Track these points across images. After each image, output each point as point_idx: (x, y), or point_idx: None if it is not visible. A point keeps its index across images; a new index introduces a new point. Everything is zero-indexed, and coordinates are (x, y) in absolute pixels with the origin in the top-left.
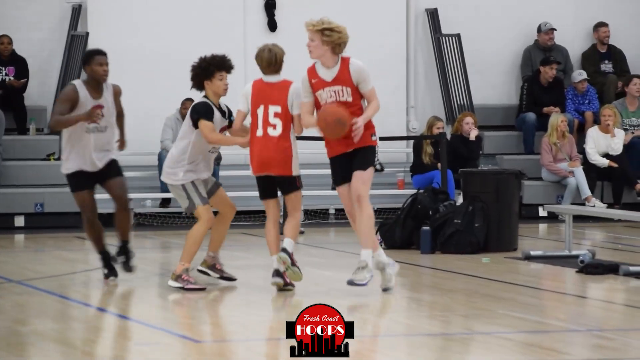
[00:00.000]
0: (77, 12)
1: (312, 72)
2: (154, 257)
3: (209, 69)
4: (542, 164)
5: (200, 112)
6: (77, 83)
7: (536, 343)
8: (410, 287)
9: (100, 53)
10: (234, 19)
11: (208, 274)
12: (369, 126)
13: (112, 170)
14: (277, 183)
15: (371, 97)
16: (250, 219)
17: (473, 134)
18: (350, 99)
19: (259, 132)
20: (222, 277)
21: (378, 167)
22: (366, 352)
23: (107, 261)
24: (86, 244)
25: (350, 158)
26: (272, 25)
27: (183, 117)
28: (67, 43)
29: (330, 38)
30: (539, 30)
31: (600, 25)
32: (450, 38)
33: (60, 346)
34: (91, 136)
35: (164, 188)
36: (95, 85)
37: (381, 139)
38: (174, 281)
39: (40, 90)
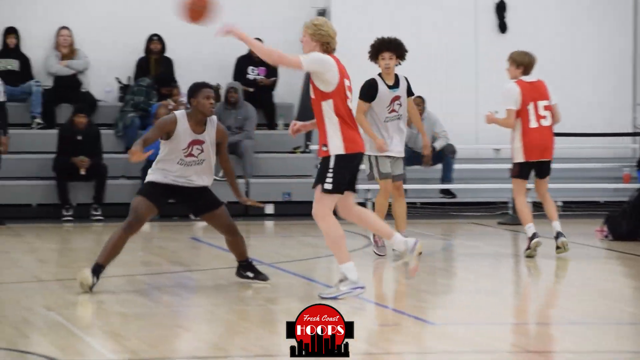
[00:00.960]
0: (322, 15)
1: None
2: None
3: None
4: None
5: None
6: (180, 114)
7: None
8: (636, 277)
9: (208, 86)
10: (465, 20)
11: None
12: (322, 138)
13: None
14: (545, 167)
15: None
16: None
17: None
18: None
19: (533, 124)
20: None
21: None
22: (594, 339)
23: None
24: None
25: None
26: (503, 27)
27: None
28: None
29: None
30: None
31: None
32: None
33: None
34: (185, 168)
35: None
36: (200, 118)
37: (609, 135)
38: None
39: (287, 89)
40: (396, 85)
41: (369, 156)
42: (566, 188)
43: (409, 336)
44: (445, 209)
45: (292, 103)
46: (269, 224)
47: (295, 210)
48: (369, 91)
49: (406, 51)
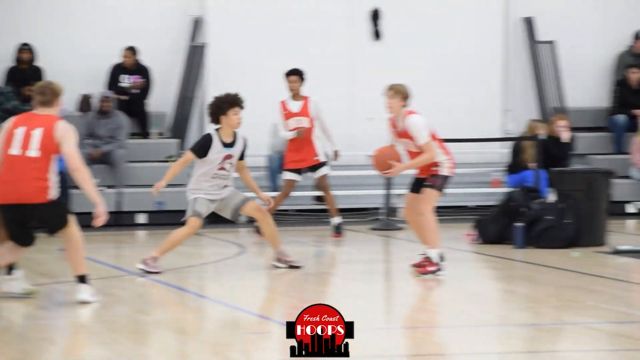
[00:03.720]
0: (196, 24)
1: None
2: (262, 251)
3: (223, 106)
4: (632, 163)
5: (194, 144)
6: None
7: (624, 333)
8: (504, 280)
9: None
10: (340, 29)
11: (279, 267)
12: None
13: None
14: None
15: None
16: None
17: (566, 135)
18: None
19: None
20: (291, 267)
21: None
22: (462, 342)
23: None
24: (201, 240)
25: None
26: (377, 34)
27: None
28: (187, 53)
29: None
30: (637, 37)
31: None
32: (545, 45)
33: (176, 334)
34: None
35: (274, 187)
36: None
37: (478, 140)
38: (140, 263)
39: (161, 97)
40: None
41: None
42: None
43: (279, 343)
44: (319, 215)
45: (165, 112)
46: (142, 233)
47: (168, 220)
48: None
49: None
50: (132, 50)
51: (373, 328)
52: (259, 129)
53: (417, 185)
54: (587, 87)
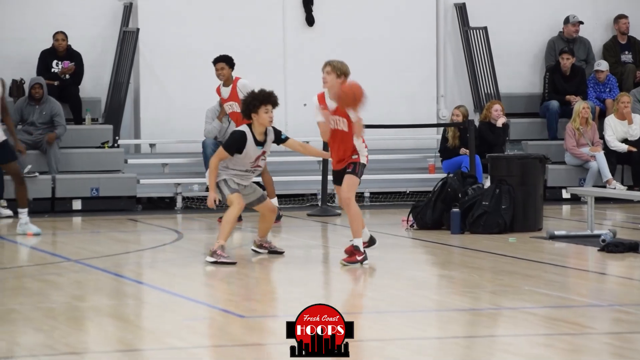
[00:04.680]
0: (128, 10)
1: None
2: (200, 238)
3: (254, 103)
4: (565, 149)
5: (226, 141)
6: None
7: (560, 317)
8: (441, 265)
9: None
10: (273, 15)
11: (259, 252)
12: None
13: None
14: None
15: None
16: None
17: (501, 120)
18: None
19: None
20: (270, 252)
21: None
22: (400, 327)
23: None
24: (138, 226)
25: None
26: (310, 21)
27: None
28: (119, 39)
29: None
30: (566, 22)
31: (621, 17)
32: (477, 31)
33: (115, 321)
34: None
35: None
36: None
37: (412, 126)
38: (209, 256)
39: (94, 83)
40: None
41: None
42: (373, 179)
43: (220, 330)
44: None
45: (99, 97)
46: (77, 220)
47: (103, 206)
48: None
49: None
50: (63, 35)
51: None
52: (192, 115)
53: (340, 177)
54: (519, 73)
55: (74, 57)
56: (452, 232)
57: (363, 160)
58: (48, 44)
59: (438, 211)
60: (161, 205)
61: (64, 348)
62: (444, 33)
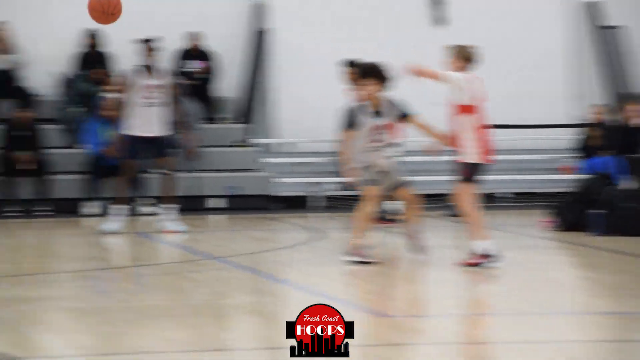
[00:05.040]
0: (259, 10)
1: None
2: (338, 237)
3: (359, 75)
4: None
5: (342, 122)
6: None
7: None
8: (583, 267)
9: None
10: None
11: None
12: None
13: None
14: None
15: None
16: None
17: (636, 121)
18: None
19: None
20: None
21: None
22: (543, 330)
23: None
24: (273, 224)
25: None
26: (442, 21)
27: None
28: (252, 39)
29: None
30: None
31: None
32: (611, 30)
33: (255, 317)
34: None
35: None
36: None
37: (549, 126)
38: (347, 255)
39: (225, 82)
40: None
41: None
42: (507, 179)
43: (364, 329)
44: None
45: (229, 97)
46: (213, 217)
47: (242, 204)
48: None
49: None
50: (197, 35)
51: (461, 314)
52: (325, 114)
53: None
54: None
55: (208, 56)
56: (594, 233)
57: (469, 159)
58: (181, 44)
59: (577, 212)
60: (296, 203)
61: (210, 345)
62: (578, 32)
